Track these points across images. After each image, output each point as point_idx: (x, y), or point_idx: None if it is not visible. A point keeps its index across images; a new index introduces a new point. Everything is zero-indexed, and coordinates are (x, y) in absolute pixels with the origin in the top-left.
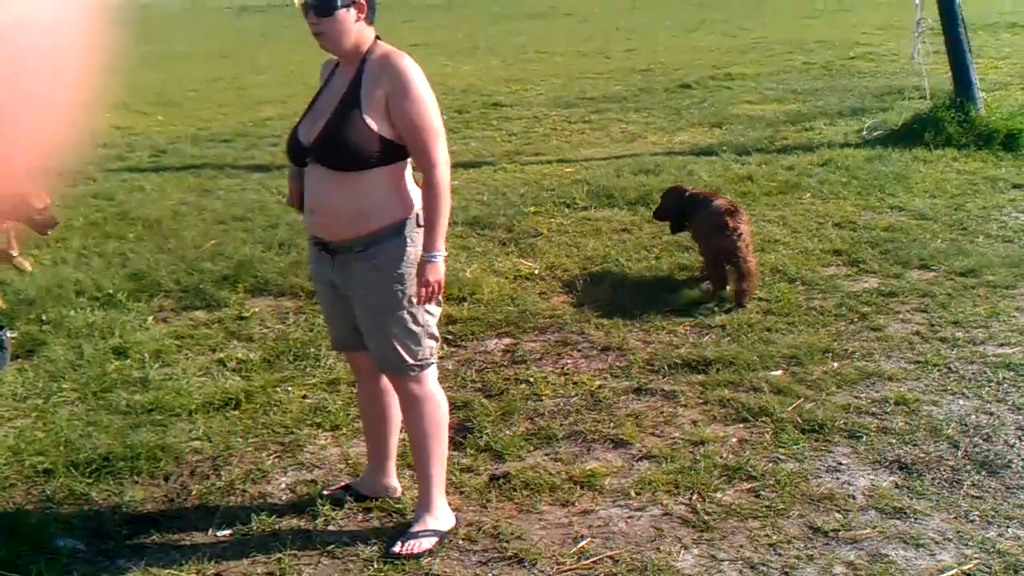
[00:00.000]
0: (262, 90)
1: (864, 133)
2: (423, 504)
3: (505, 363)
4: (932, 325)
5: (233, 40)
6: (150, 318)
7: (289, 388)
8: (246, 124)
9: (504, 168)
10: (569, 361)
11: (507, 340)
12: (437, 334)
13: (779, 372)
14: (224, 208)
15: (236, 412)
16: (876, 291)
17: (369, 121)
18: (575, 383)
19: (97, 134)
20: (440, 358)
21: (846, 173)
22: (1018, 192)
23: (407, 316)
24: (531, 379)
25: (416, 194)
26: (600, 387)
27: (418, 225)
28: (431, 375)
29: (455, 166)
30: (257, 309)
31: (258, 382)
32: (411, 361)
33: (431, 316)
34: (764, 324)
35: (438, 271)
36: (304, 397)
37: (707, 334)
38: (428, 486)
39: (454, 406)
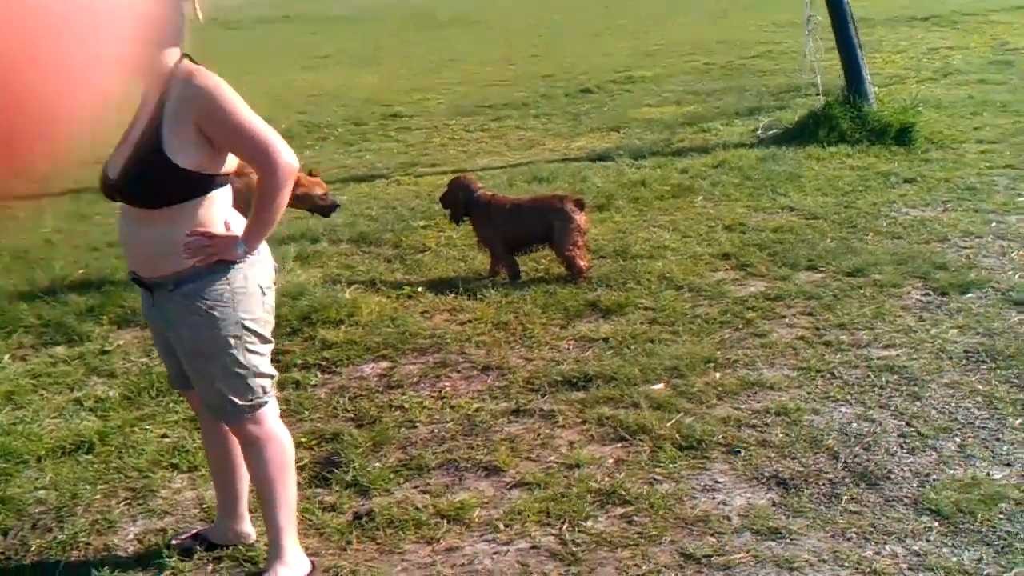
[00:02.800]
0: None
1: (759, 133)
2: (273, 552)
3: (380, 389)
4: (817, 329)
5: None
6: (6, 356)
7: (148, 427)
8: None
9: (398, 181)
10: (447, 384)
11: (384, 364)
12: (269, 371)
13: (660, 385)
14: (99, 234)
15: (88, 456)
16: (762, 295)
17: (170, 155)
18: (452, 407)
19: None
20: (312, 385)
21: (739, 174)
22: (909, 187)
23: (228, 359)
24: (406, 405)
25: (236, 225)
26: (477, 410)
27: (235, 261)
28: (269, 414)
29: (348, 180)
30: (122, 342)
31: (115, 421)
32: (240, 403)
33: (257, 356)
34: (648, 335)
35: (231, 253)
36: (163, 436)
37: (590, 347)
38: (276, 532)
39: (322, 439)
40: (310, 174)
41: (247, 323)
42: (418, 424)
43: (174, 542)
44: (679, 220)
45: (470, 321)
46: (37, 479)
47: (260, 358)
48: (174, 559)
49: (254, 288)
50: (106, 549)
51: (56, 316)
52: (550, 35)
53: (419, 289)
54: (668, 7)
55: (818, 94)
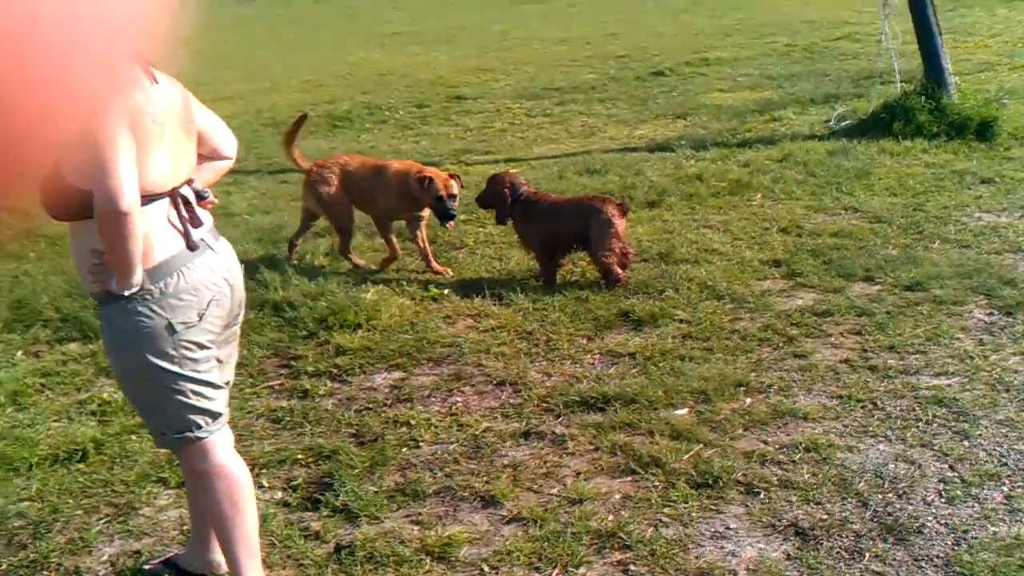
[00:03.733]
0: (225, 85)
1: (831, 123)
2: None
3: (389, 401)
4: (864, 351)
5: (209, 28)
6: (19, 352)
7: (146, 435)
8: None
9: (447, 169)
10: (459, 399)
11: (397, 374)
12: (207, 407)
13: (684, 411)
14: None
15: (80, 465)
16: (810, 309)
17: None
18: (460, 425)
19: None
20: (320, 395)
21: (803, 170)
22: (986, 188)
23: (143, 391)
24: (412, 421)
25: (162, 242)
26: (486, 430)
27: (158, 280)
28: (217, 446)
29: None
30: None
31: (114, 428)
32: (169, 435)
33: (179, 393)
34: (679, 351)
35: (109, 285)
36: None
37: (616, 363)
38: (236, 568)
39: (320, 456)
40: (451, 177)
41: (154, 360)
42: (421, 444)
43: (147, 567)
44: (732, 220)
45: (493, 329)
46: (23, 489)
47: (184, 395)
48: None
49: (159, 326)
50: (76, 572)
51: (75, 311)
52: (631, 13)
53: (446, 291)
54: None
55: (895, 83)
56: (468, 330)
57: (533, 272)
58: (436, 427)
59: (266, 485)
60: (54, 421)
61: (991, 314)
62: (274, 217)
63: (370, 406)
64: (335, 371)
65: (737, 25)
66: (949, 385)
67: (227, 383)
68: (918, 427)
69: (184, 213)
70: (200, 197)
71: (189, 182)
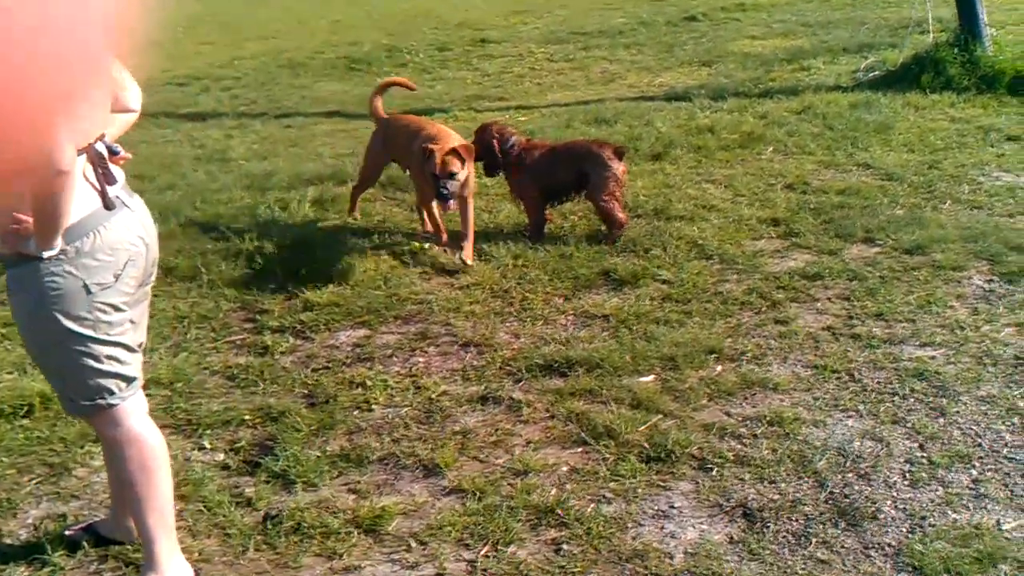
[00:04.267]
0: (258, 26)
1: (859, 74)
2: (146, 560)
3: (349, 360)
4: (850, 317)
5: None
6: None
7: None
8: (213, 65)
9: (456, 116)
10: (421, 359)
11: (362, 332)
12: (119, 371)
13: (650, 378)
14: (134, 163)
15: (25, 421)
16: (800, 272)
17: None
18: (418, 388)
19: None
20: (281, 352)
21: (821, 122)
22: (1011, 146)
23: (52, 357)
24: (369, 382)
25: (78, 201)
26: (443, 394)
27: (74, 240)
28: (130, 412)
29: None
30: None
31: None
32: (79, 401)
33: (91, 357)
34: (655, 314)
35: (26, 247)
36: None
37: (588, 325)
38: (147, 539)
39: (268, 417)
40: (455, 151)
41: (67, 324)
42: (375, 407)
43: (67, 532)
44: (737, 175)
45: (468, 287)
46: None
47: (97, 360)
48: (59, 553)
49: (74, 287)
50: None
51: None
52: None
53: (427, 245)
54: None
55: (925, 32)
56: (442, 287)
57: (521, 227)
58: (392, 389)
59: (208, 447)
60: (7, 373)
61: (990, 281)
62: (269, 163)
63: (329, 365)
64: (299, 327)
65: None
66: (933, 357)
67: (140, 345)
68: (893, 402)
69: (100, 170)
70: (112, 153)
71: (101, 137)
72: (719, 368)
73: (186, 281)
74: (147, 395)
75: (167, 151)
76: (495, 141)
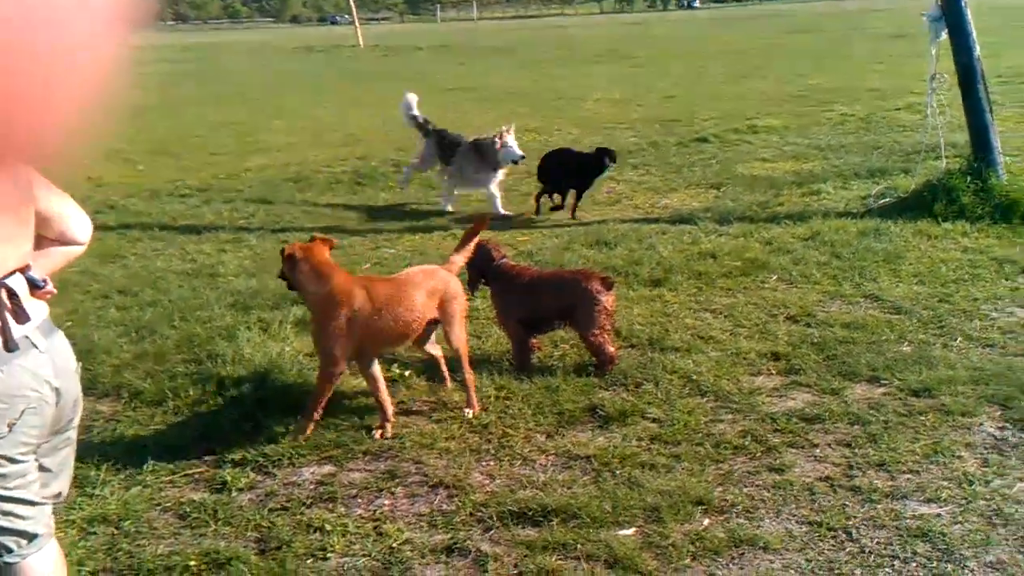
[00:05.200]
0: (269, 136)
1: (870, 201)
2: None
3: (310, 501)
4: (850, 467)
5: (277, 81)
6: None
7: None
8: (219, 177)
9: (455, 235)
10: (387, 502)
11: (328, 468)
12: (24, 527)
13: (631, 531)
14: (121, 278)
15: None
16: (799, 414)
17: None
18: (380, 534)
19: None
20: (239, 489)
21: (829, 250)
22: None
23: None
24: (328, 526)
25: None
26: (406, 542)
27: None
28: (33, 570)
29: (401, 232)
30: None
31: None
32: None
33: (5, 504)
34: (642, 457)
35: None
36: None
37: (569, 468)
38: None
39: (214, 564)
40: None
41: None
42: (330, 555)
43: None
44: (739, 304)
45: (445, 420)
46: None
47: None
48: None
49: None
50: None
51: None
52: (696, 75)
53: (407, 372)
54: (830, 46)
55: (939, 158)
56: (418, 419)
57: (509, 354)
58: (352, 535)
59: None
60: None
61: (1003, 428)
62: (257, 281)
63: (287, 505)
64: (261, 460)
65: (800, 92)
66: (939, 515)
67: (57, 495)
68: (893, 566)
69: (9, 306)
70: (35, 287)
71: (23, 270)
72: (706, 522)
73: (152, 407)
74: (91, 534)
75: (156, 265)
76: (480, 259)
